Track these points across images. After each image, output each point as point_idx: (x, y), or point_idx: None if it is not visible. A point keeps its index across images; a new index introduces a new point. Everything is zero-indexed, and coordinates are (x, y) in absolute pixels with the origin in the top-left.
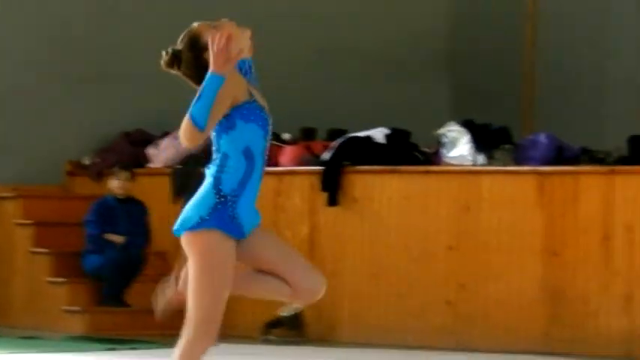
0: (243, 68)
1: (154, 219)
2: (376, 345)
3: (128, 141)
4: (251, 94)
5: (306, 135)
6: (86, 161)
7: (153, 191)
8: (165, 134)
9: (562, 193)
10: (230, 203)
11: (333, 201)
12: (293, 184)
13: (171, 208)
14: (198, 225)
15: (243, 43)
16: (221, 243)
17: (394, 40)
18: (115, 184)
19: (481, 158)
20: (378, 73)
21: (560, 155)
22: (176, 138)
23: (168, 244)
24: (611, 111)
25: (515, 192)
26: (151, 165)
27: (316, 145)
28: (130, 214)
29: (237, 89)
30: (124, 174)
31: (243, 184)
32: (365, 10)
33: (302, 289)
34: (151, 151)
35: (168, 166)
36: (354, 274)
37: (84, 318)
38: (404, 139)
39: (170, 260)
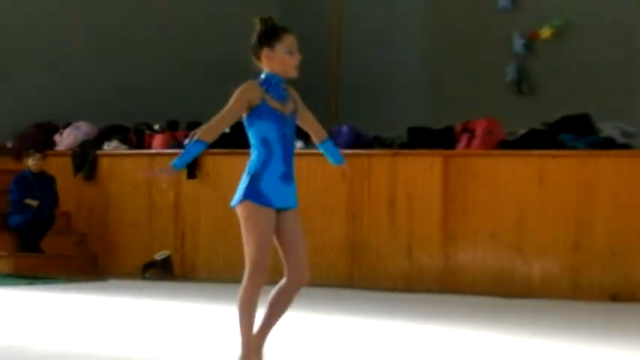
0: (271, 81)
1: (60, 188)
2: (224, 280)
3: (40, 129)
4: (263, 99)
5: (171, 126)
6: (8, 145)
7: (59, 167)
8: (68, 124)
9: (359, 170)
10: (256, 181)
11: (191, 175)
12: (162, 162)
13: (72, 179)
14: (239, 199)
15: (292, 63)
16: (255, 209)
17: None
18: (31, 162)
19: (300, 144)
20: (226, 79)
21: (358, 141)
22: (76, 128)
23: (71, 205)
24: (397, 105)
25: (325, 169)
26: (57, 148)
27: (179, 134)
28: (42, 185)
29: (251, 96)
30: (38, 155)
31: (265, 165)
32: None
33: (289, 274)
34: (56, 137)
35: (69, 149)
36: (207, 229)
37: (9, 261)
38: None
39: (72, 218)
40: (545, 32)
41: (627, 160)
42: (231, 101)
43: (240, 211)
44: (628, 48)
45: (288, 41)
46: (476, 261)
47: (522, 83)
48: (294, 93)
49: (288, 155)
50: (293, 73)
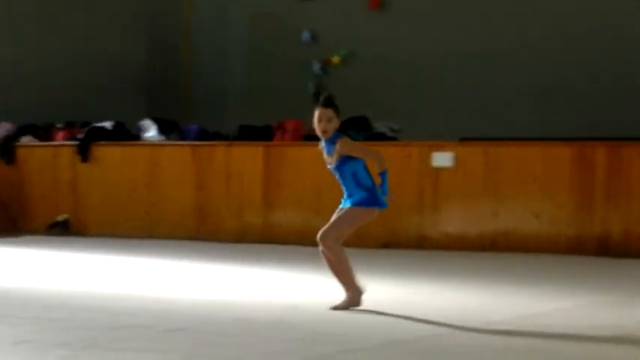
0: (329, 142)
1: None
2: (108, 236)
3: None
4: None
5: (70, 125)
6: None
7: None
8: None
9: (205, 155)
10: (374, 193)
11: (84, 159)
12: (64, 152)
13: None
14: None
15: (318, 129)
16: (370, 212)
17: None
18: None
19: (163, 138)
20: (110, 88)
21: (204, 135)
22: (2, 127)
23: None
24: (231, 108)
25: (183, 156)
26: None
27: (76, 131)
28: None
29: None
30: None
31: (374, 182)
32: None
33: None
34: None
35: None
36: (97, 202)
37: None
38: (121, 126)
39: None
40: (335, 59)
41: (393, 149)
42: None
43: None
44: (389, 68)
45: (316, 113)
46: (287, 220)
47: (319, 95)
48: (337, 146)
49: (344, 187)
50: (321, 136)
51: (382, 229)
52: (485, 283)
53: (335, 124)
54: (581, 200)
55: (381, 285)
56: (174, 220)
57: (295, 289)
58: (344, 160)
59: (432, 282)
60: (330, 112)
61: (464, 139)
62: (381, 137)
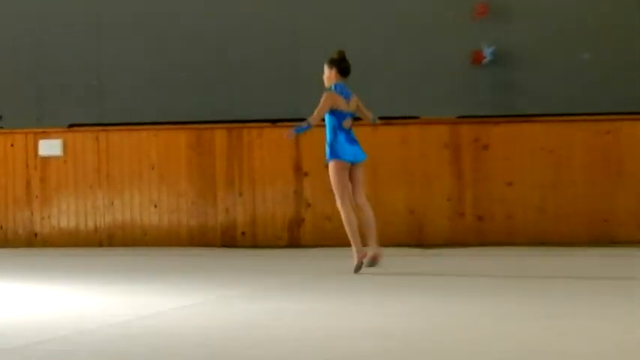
0: (343, 92)
1: None
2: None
3: None
4: (337, 105)
5: None
6: None
7: None
8: None
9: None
10: (332, 147)
11: None
12: None
13: None
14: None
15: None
16: (337, 163)
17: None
18: None
19: None
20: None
21: None
22: None
23: None
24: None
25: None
26: None
27: None
28: None
29: (334, 103)
30: None
31: (335, 137)
32: None
33: (357, 202)
34: None
35: None
36: None
37: None
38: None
39: None
40: None
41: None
42: None
43: (330, 165)
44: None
45: None
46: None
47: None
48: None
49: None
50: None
51: None
52: (102, 281)
53: (326, 76)
54: (202, 188)
55: None
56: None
57: None
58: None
59: (42, 283)
60: (325, 66)
61: (73, 126)
62: None
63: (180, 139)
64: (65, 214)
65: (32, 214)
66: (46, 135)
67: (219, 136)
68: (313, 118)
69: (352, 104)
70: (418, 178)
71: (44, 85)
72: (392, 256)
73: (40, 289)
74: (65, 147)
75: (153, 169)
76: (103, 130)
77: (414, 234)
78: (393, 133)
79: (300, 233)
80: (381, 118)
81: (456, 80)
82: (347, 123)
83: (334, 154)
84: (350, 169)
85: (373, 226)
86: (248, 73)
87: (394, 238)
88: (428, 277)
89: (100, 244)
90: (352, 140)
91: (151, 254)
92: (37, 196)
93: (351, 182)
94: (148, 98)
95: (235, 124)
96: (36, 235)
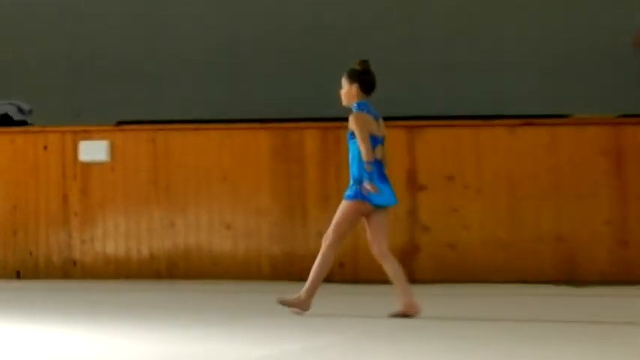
0: (370, 112)
1: None
2: None
3: None
4: (371, 128)
5: None
6: None
7: None
8: None
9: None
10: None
11: None
12: None
13: None
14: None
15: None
16: (362, 205)
17: None
18: None
19: None
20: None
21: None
22: None
23: None
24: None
25: None
26: None
27: None
28: None
29: (367, 125)
30: None
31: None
32: None
33: (380, 251)
34: None
35: None
36: None
37: None
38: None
39: None
40: None
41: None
42: None
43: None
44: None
45: None
46: None
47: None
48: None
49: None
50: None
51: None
52: (165, 325)
53: (345, 92)
54: (288, 205)
55: None
56: None
57: None
58: (351, 136)
59: (82, 327)
60: (343, 80)
61: (122, 123)
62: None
63: (261, 141)
64: (112, 237)
65: (70, 236)
66: (87, 135)
67: (310, 137)
68: (367, 157)
69: (382, 126)
70: (568, 194)
71: (85, 72)
72: (533, 296)
73: (80, 337)
74: (112, 150)
75: (225, 179)
76: (161, 130)
77: (562, 267)
78: (536, 136)
79: (415, 265)
80: (519, 116)
81: (617, 69)
82: (379, 152)
83: (362, 195)
84: (371, 212)
85: (403, 276)
86: (345, 61)
87: (537, 273)
88: (581, 324)
89: (158, 276)
90: (384, 177)
91: (223, 289)
92: (76, 214)
93: (373, 228)
94: (217, 89)
95: (331, 123)
96: (75, 263)
